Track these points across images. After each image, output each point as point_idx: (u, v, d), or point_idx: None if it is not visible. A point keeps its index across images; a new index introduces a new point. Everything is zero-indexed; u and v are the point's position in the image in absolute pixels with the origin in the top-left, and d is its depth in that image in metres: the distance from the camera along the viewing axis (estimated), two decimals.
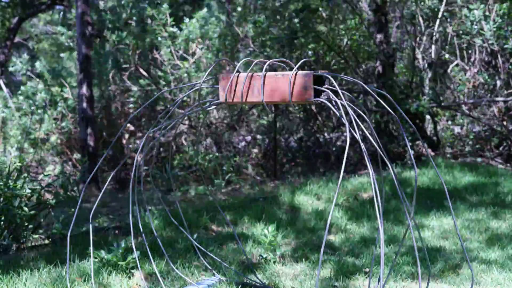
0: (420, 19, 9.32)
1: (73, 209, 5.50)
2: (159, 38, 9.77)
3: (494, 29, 8.25)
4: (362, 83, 3.04)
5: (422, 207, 6.08)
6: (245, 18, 10.26)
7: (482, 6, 8.30)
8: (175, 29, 9.81)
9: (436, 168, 3.01)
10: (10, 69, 12.71)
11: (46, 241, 5.01)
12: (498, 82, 8.72)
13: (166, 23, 9.75)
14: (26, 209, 4.68)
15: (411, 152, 3.38)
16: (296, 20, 9.34)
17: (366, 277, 4.04)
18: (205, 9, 10.22)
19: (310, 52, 9.63)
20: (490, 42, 8.36)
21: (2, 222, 4.66)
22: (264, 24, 9.59)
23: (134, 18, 10.22)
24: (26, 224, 4.83)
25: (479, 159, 9.07)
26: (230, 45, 10.05)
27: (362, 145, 2.80)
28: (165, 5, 9.78)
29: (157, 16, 9.69)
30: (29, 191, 4.83)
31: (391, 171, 2.79)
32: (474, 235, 5.16)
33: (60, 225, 5.03)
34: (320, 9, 9.51)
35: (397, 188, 2.83)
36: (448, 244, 4.90)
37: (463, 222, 5.58)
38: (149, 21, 9.99)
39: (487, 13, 8.30)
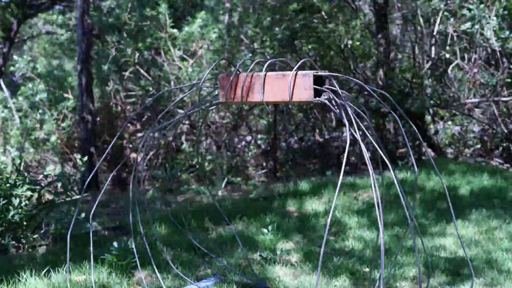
0: (420, 18, 9.32)
1: (73, 209, 5.51)
2: (159, 39, 9.76)
3: (495, 29, 8.24)
4: (362, 83, 3.03)
5: (428, 212, 5.97)
6: (245, 18, 10.25)
7: (481, 6, 8.29)
8: (174, 30, 9.80)
9: (437, 169, 3.01)
10: (11, 68, 12.70)
11: (46, 241, 5.01)
12: (499, 82, 8.72)
13: (166, 24, 9.74)
14: (26, 209, 4.67)
15: (411, 152, 3.38)
16: (296, 20, 9.33)
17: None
18: (204, 10, 10.23)
19: (310, 53, 9.62)
20: (490, 41, 8.35)
21: (2, 222, 4.66)
22: (264, 24, 9.58)
23: (134, 19, 10.22)
24: (26, 224, 4.82)
25: (479, 159, 9.06)
26: (230, 45, 10.05)
27: (362, 145, 2.80)
28: (164, 6, 9.76)
29: (156, 17, 9.67)
30: (29, 191, 4.83)
31: (391, 172, 2.79)
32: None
33: (60, 225, 5.03)
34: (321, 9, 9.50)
35: (397, 189, 2.83)
36: (450, 246, 4.88)
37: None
38: (148, 22, 9.98)
39: (487, 13, 8.29)
